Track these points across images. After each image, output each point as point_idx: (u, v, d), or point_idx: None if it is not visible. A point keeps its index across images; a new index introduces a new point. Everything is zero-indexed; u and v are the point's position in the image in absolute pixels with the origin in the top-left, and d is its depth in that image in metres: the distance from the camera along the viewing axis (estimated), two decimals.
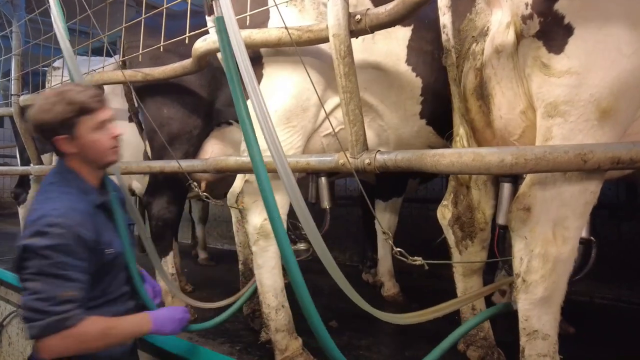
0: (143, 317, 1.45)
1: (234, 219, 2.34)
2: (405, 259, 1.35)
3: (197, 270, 3.90)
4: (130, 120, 3.13)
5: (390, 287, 2.88)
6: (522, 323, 1.27)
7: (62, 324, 1.21)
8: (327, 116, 1.69)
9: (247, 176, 1.90)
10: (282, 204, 1.85)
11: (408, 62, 1.86)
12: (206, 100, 2.56)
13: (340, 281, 1.33)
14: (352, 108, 1.48)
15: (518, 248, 1.27)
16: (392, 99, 1.92)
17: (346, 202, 4.18)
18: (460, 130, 1.61)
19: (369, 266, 3.34)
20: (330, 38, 1.43)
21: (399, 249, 1.36)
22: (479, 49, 1.52)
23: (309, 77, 1.41)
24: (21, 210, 4.12)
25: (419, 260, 1.35)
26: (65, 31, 1.67)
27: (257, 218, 1.82)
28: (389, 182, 2.95)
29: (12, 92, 3.31)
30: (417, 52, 1.87)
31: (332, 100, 1.83)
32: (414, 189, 3.39)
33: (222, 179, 3.03)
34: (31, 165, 3.37)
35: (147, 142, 2.75)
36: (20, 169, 3.82)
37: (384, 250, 2.99)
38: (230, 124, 2.65)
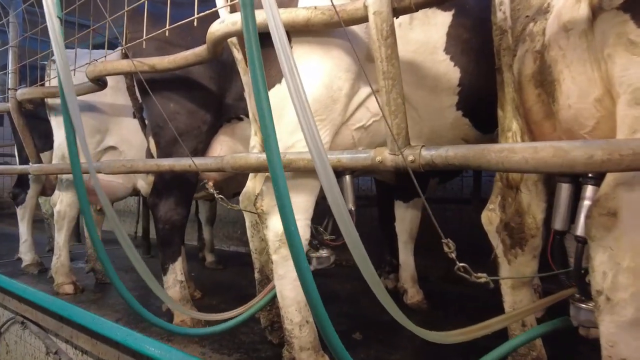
0: None
1: (247, 223, 2.15)
2: (468, 276, 1.16)
3: (205, 274, 3.71)
4: (134, 116, 2.94)
5: (414, 294, 2.68)
6: (606, 350, 1.07)
7: None
8: (377, 97, 1.48)
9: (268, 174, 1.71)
10: (306, 206, 1.67)
11: (447, 50, 1.68)
12: (215, 94, 2.37)
13: (384, 299, 1.15)
14: (394, 97, 1.29)
15: (600, 260, 1.07)
16: (428, 89, 1.74)
17: (357, 202, 3.98)
18: (513, 125, 1.42)
19: (388, 271, 3.15)
20: (371, 17, 1.23)
21: (462, 264, 1.16)
22: (539, 29, 1.32)
23: (356, 54, 1.22)
24: (19, 211, 3.93)
25: (483, 277, 1.15)
26: (58, 10, 1.49)
27: (279, 223, 1.63)
28: (410, 182, 2.75)
29: (9, 86, 3.13)
30: (456, 40, 1.69)
31: (363, 91, 1.65)
32: (432, 189, 3.19)
33: (232, 178, 2.84)
34: (30, 164, 3.18)
35: (150, 139, 2.56)
36: (18, 168, 3.62)
37: (406, 254, 2.79)
38: (241, 119, 2.46)
